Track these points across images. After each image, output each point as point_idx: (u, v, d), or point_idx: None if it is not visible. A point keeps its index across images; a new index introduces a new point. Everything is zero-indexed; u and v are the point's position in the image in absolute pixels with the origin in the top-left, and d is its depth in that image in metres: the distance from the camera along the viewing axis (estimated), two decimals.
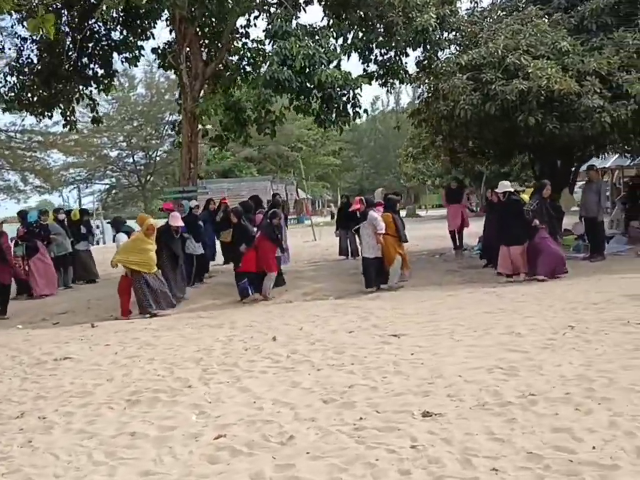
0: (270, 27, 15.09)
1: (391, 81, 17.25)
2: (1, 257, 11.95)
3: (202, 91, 16.85)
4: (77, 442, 4.72)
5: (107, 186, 56.39)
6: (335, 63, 15.74)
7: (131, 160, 54.35)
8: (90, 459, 4.38)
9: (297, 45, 14.51)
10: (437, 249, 18.22)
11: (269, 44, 15.00)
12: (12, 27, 19.63)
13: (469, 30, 15.78)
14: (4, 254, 12.02)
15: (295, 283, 12.98)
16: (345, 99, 15.40)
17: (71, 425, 5.11)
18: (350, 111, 15.82)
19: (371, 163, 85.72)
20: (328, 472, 3.94)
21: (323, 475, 3.89)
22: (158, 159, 55.15)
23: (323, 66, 14.66)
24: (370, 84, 18.31)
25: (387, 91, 18.26)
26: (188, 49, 16.84)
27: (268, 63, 14.51)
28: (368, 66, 17.38)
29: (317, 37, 15.27)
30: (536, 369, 5.88)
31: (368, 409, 5.07)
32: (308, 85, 14.74)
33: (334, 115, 15.76)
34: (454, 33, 16.20)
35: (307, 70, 14.53)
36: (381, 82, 17.83)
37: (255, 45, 17.12)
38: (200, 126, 17.80)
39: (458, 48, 16.35)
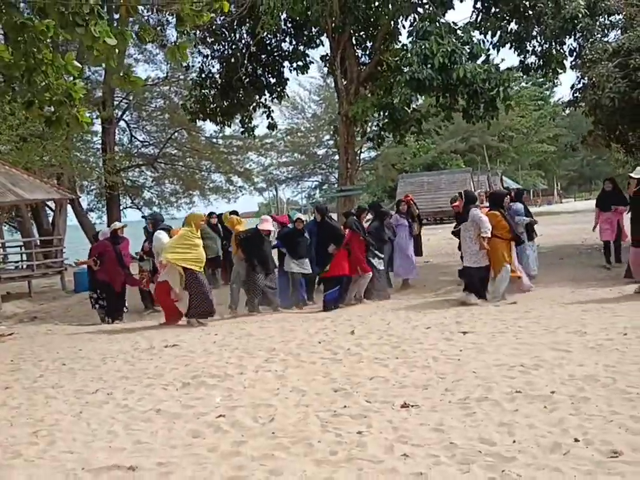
0: (412, 27, 15.50)
1: (550, 71, 16.77)
2: (118, 263, 12.33)
3: (357, 94, 17.57)
4: (114, 415, 5.69)
5: (316, 183, 59.10)
6: (482, 57, 15.75)
7: (337, 157, 56.41)
8: (110, 428, 5.32)
9: (437, 43, 14.76)
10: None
11: (410, 44, 15.31)
12: (195, 45, 21.71)
13: (623, 13, 14.95)
14: (121, 260, 12.38)
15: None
16: (492, 93, 15.30)
17: (123, 402, 6.10)
18: (499, 105, 15.72)
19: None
20: (271, 448, 4.51)
21: (264, 450, 4.47)
22: (362, 155, 56.72)
23: (464, 62, 14.76)
24: (528, 75, 17.99)
25: (549, 80, 17.68)
26: (342, 54, 17.68)
27: (408, 63, 14.87)
28: (525, 57, 17.12)
29: (459, 33, 15.38)
30: (555, 368, 5.92)
31: (361, 398, 5.52)
32: (449, 82, 14.91)
33: (481, 110, 15.78)
34: (608, 16, 15.42)
35: (447, 67, 14.73)
36: (541, 73, 17.43)
37: (400, 46, 17.45)
38: (360, 127, 18.65)
39: (615, 32, 15.58)
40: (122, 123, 33.02)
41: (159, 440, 4.90)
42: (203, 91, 20.14)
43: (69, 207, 28.55)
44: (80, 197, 28.24)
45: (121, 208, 34.00)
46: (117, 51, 11.93)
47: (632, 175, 10.54)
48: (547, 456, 3.98)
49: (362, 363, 6.79)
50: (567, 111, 23.47)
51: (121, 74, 12.89)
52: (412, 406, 5.17)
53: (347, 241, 11.03)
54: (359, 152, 53.18)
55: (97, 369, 7.58)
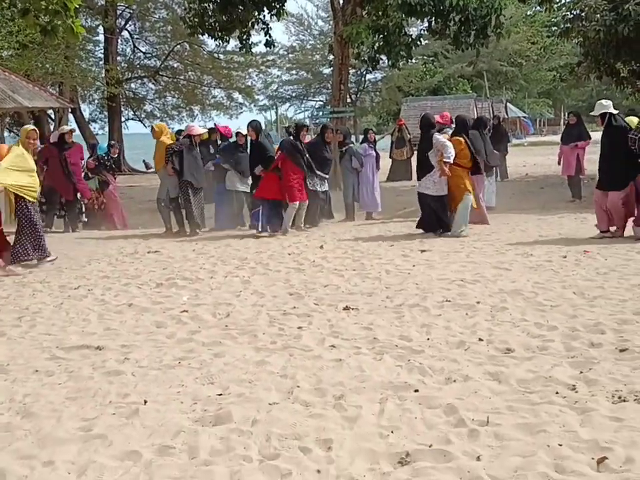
0: None
1: None
2: (64, 170, 11.85)
3: (353, 15, 17.70)
4: (90, 307, 6.37)
5: (321, 102, 58.78)
6: None
7: None
8: (85, 317, 6.01)
9: None
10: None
11: None
12: None
13: None
14: (67, 167, 11.84)
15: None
16: (483, 21, 15.51)
17: (100, 297, 6.78)
18: (489, 32, 15.94)
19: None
20: (221, 337, 5.18)
21: (214, 339, 5.14)
22: (368, 76, 56.18)
23: None
24: (524, 2, 18.02)
25: (545, 10, 17.76)
26: None
27: None
28: None
29: None
30: (490, 283, 6.56)
31: (311, 301, 6.18)
32: (441, 8, 15.10)
33: (472, 38, 16.01)
34: None
35: None
36: (536, 0, 17.51)
37: None
38: (355, 49, 18.85)
39: None
40: (125, 33, 32.97)
41: (126, 328, 5.58)
42: (203, 4, 20.19)
43: (71, 117, 28.91)
44: (76, 107, 28.45)
45: (123, 119, 34.31)
46: None
47: (593, 113, 9.50)
48: (451, 350, 4.64)
49: (321, 273, 7.45)
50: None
51: None
52: (352, 309, 5.83)
53: (277, 163, 10.34)
54: (364, 73, 52.97)
55: (82, 269, 8.25)
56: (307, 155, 10.61)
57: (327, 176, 11.30)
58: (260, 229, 10.37)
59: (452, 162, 9.41)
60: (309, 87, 56.71)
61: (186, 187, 10.77)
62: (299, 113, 60.35)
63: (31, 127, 8.77)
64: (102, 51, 31.10)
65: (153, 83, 33.84)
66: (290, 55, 51.21)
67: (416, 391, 3.96)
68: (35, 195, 8.33)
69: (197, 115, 35.55)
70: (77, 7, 11.29)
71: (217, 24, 20.56)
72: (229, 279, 7.37)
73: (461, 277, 6.90)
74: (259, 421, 3.63)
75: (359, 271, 7.49)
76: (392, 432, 3.45)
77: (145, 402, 3.94)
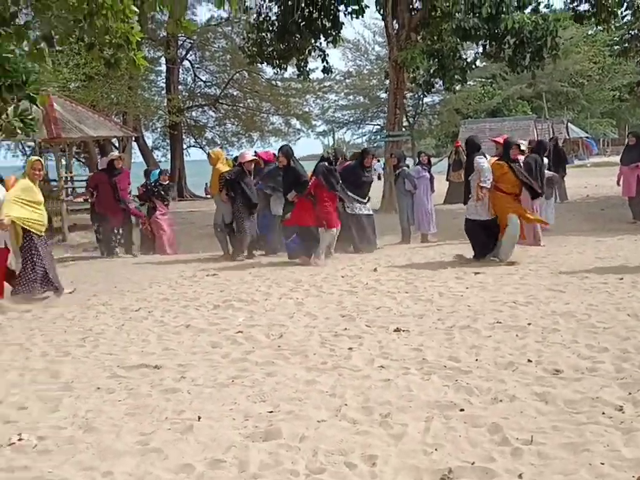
0: None
1: (601, 19, 16.72)
2: (114, 196, 11.99)
3: (408, 40, 17.87)
4: (150, 328, 6.62)
5: (378, 126, 59.04)
6: (532, 6, 15.87)
7: None
8: (145, 337, 6.25)
9: None
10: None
11: None
12: None
13: None
14: (117, 192, 11.99)
15: None
16: (538, 43, 15.47)
17: (160, 318, 7.03)
18: (545, 54, 15.89)
19: None
20: (274, 357, 5.34)
21: (267, 358, 5.30)
22: (426, 99, 56.16)
23: (512, 12, 14.95)
24: (581, 23, 17.91)
25: (604, 30, 17.61)
26: None
27: (456, 11, 15.14)
28: (578, 5, 17.08)
29: None
30: (542, 305, 6.56)
31: (363, 323, 6.29)
32: (496, 31, 15.14)
33: (527, 60, 15.98)
34: None
35: (495, 17, 14.95)
36: (594, 21, 17.36)
37: None
38: (410, 73, 19.00)
39: None
40: (186, 63, 33.90)
41: (183, 348, 5.79)
42: (261, 33, 20.71)
43: (134, 145, 29.82)
44: (141, 135, 29.34)
45: (185, 147, 35.21)
46: None
47: None
48: (499, 371, 4.69)
49: (374, 295, 7.55)
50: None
51: (178, 19, 13.66)
52: (403, 331, 5.91)
53: (311, 189, 10.09)
54: (421, 96, 53.00)
55: (143, 292, 8.55)
56: (340, 181, 10.45)
57: (365, 200, 11.28)
58: (292, 256, 10.28)
59: (488, 186, 9.08)
60: (366, 111, 57.02)
61: (239, 213, 10.94)
62: (357, 137, 60.69)
63: (35, 157, 8.62)
64: (164, 81, 32.02)
65: (213, 111, 34.66)
66: (347, 80, 51.70)
67: (462, 410, 4.02)
68: (41, 228, 8.19)
69: (256, 141, 36.18)
70: (139, 40, 11.78)
71: (274, 52, 21.05)
72: (283, 300, 7.53)
73: (513, 299, 6.91)
74: (307, 437, 3.75)
75: (411, 293, 7.56)
76: (436, 449, 3.52)
77: (199, 418, 4.10)
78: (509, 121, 46.68)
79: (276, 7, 20.98)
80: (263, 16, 20.79)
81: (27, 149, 26.03)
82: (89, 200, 12.54)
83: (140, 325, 6.75)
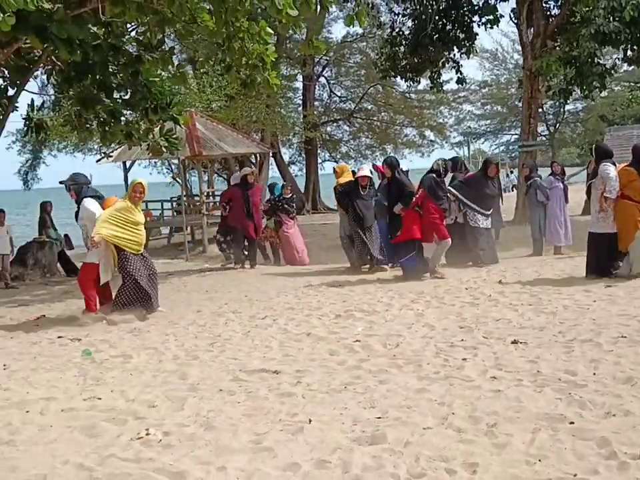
0: None
1: None
2: (246, 210, 12.46)
3: (543, 48, 17.44)
4: (274, 335, 6.90)
5: (516, 136, 57.57)
6: None
7: (540, 109, 54.36)
8: (268, 344, 6.54)
9: None
10: None
11: None
12: (386, 4, 22.45)
13: None
14: (249, 206, 12.47)
15: None
16: None
17: (283, 326, 7.29)
18: None
19: None
20: (388, 366, 5.45)
21: (381, 367, 5.42)
22: (568, 106, 54.16)
23: None
24: None
25: None
26: (529, 7, 17.60)
27: (595, 16, 14.63)
28: None
29: None
30: None
31: (480, 334, 6.27)
32: (638, 35, 14.51)
33: None
34: None
35: (638, 20, 14.32)
36: None
37: None
38: (546, 82, 18.52)
39: None
40: (322, 79, 34.67)
41: (303, 355, 6.02)
42: (394, 48, 20.90)
43: (272, 160, 30.83)
44: (276, 151, 30.27)
45: (320, 161, 35.97)
46: (302, 18, 13.11)
47: None
48: (616, 385, 4.55)
49: (495, 307, 7.49)
50: None
51: (310, 39, 14.12)
52: (521, 343, 5.84)
53: (418, 201, 9.83)
54: (562, 104, 51.25)
55: (270, 301, 8.91)
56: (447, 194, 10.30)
57: (488, 212, 10.96)
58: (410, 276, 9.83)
59: (613, 197, 8.44)
60: (503, 120, 55.81)
61: (355, 225, 11.02)
62: (494, 148, 59.50)
63: (138, 180, 8.49)
64: (301, 98, 32.90)
65: (348, 125, 35.18)
66: (483, 90, 50.88)
67: (571, 423, 3.96)
68: (136, 247, 8.27)
69: (390, 153, 36.33)
70: (274, 60, 12.31)
71: (408, 66, 21.17)
72: (403, 311, 7.62)
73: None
74: (411, 443, 3.84)
75: (535, 305, 7.42)
76: (539, 460, 3.51)
77: (310, 421, 4.29)
78: None
79: (410, 21, 21.14)
80: (397, 30, 20.99)
81: (172, 166, 27.55)
82: (223, 213, 13.01)
83: (264, 332, 7.07)
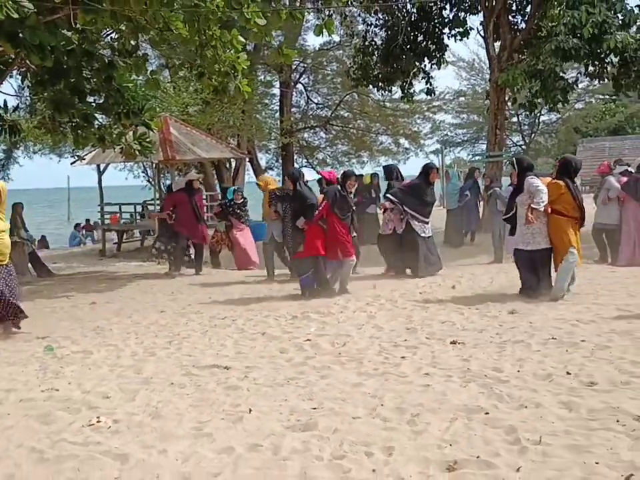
0: None
1: None
2: (195, 215, 12.73)
3: (509, 61, 17.90)
4: (230, 334, 7.23)
5: None
6: (638, 24, 15.61)
7: (515, 119, 55.22)
8: (223, 342, 6.86)
9: (587, 13, 14.86)
10: None
11: (560, 12, 15.44)
12: (359, 15, 22.89)
13: None
14: (198, 212, 12.77)
15: None
16: None
17: (241, 326, 7.64)
18: None
19: None
20: (332, 363, 5.80)
21: (325, 364, 5.77)
22: (542, 117, 55.01)
23: (615, 32, 14.77)
24: None
25: None
26: (496, 21, 18.08)
27: (555, 33, 15.11)
28: None
29: (612, 0, 15.29)
30: (605, 323, 6.68)
31: (423, 335, 6.65)
32: (599, 51, 15.00)
33: (632, 79, 15.69)
34: None
35: (597, 37, 14.81)
36: None
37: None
38: (512, 94, 18.98)
39: None
40: (299, 86, 35.03)
41: (254, 352, 6.37)
42: (366, 57, 21.30)
43: (248, 165, 31.13)
44: (255, 156, 30.57)
45: (297, 167, 36.31)
46: (272, 27, 13.43)
47: None
48: (535, 382, 4.94)
49: (443, 311, 7.86)
50: None
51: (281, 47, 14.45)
52: (459, 343, 6.22)
53: (321, 214, 9.32)
54: (538, 115, 51.98)
55: (231, 303, 9.21)
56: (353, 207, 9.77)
57: (427, 220, 10.81)
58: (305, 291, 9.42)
59: (541, 209, 8.09)
60: (480, 130, 56.49)
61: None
62: (470, 156, 60.22)
63: None
64: (277, 104, 33.23)
65: (324, 132, 35.56)
66: (461, 99, 51.59)
67: (487, 413, 4.34)
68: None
69: (366, 161, 36.79)
70: (245, 68, 12.64)
71: (379, 75, 21.56)
72: (357, 313, 7.99)
73: (578, 317, 7.04)
74: (339, 430, 4.20)
75: (481, 309, 7.81)
76: (450, 445, 3.88)
77: (250, 411, 4.63)
78: (631, 139, 44.97)
79: (382, 31, 21.57)
80: (369, 40, 21.38)
81: (148, 170, 27.74)
82: (169, 221, 12.81)
83: (222, 331, 7.41)
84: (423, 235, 10.69)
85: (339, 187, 9.51)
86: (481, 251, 14.39)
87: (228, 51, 11.81)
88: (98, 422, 4.60)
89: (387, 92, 22.49)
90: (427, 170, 10.98)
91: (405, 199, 10.70)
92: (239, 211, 13.70)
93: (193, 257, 13.25)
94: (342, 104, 34.13)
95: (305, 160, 36.81)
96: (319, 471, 3.64)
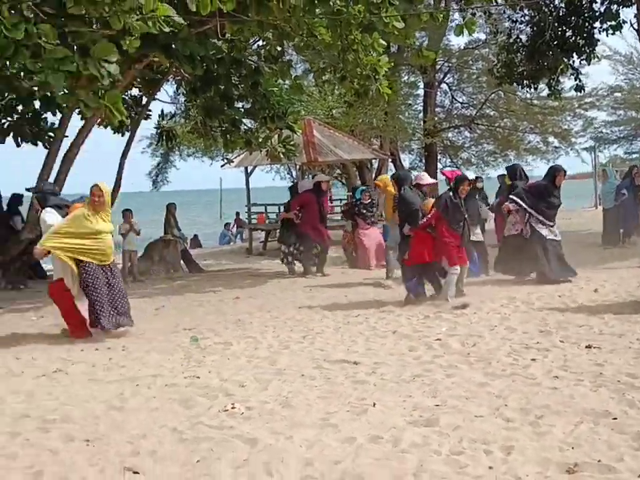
0: None
1: None
2: (320, 217, 12.87)
3: None
4: (362, 331, 7.41)
5: None
6: None
7: None
8: (355, 339, 7.05)
9: None
10: None
11: None
12: (503, 12, 22.41)
13: None
14: (323, 213, 12.95)
15: None
16: None
17: (373, 324, 7.80)
18: None
19: None
20: (459, 362, 5.84)
21: (453, 363, 5.82)
22: None
23: None
24: None
25: None
26: None
27: None
28: None
29: None
30: None
31: (557, 338, 6.52)
32: None
33: None
34: None
35: None
36: None
37: None
38: None
39: None
40: (444, 86, 34.74)
41: (384, 350, 6.50)
42: (510, 55, 20.85)
43: (391, 165, 31.30)
44: (397, 157, 30.66)
45: (440, 167, 35.99)
46: (412, 30, 13.54)
47: None
48: None
49: (581, 314, 7.62)
50: None
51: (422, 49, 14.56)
52: (594, 347, 6.06)
53: (430, 222, 8.96)
54: None
55: (365, 302, 9.37)
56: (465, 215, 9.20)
57: (552, 223, 10.21)
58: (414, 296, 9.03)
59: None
60: (639, 127, 53.44)
61: None
62: (628, 154, 57.10)
63: (95, 183, 7.67)
64: (421, 104, 33.14)
65: (469, 131, 35.03)
66: (616, 94, 48.99)
67: (614, 419, 4.23)
68: (98, 257, 7.59)
69: (513, 160, 35.82)
70: (386, 70, 12.84)
71: (524, 73, 21.03)
72: (490, 315, 7.93)
73: None
74: (460, 427, 4.26)
75: (624, 314, 7.50)
76: (572, 447, 3.84)
77: (374, 404, 4.78)
78: None
79: (527, 28, 21.04)
80: (513, 38, 20.92)
81: (293, 171, 28.58)
82: (296, 220, 12.89)
83: (354, 328, 7.60)
84: (550, 237, 10.13)
85: (450, 193, 9.09)
86: (636, 253, 13.70)
87: (369, 54, 12.05)
88: (233, 408, 4.91)
89: (531, 89, 21.84)
90: (554, 172, 10.48)
91: (529, 201, 10.18)
92: (364, 211, 13.59)
93: (318, 257, 13.11)
94: (487, 102, 33.48)
95: (449, 160, 36.45)
96: (435, 465, 3.73)
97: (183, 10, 8.06)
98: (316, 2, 10.74)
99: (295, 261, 13.15)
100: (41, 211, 8.03)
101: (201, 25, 10.86)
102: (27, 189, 10.49)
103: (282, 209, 22.67)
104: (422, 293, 9.08)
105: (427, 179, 11.52)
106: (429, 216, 8.93)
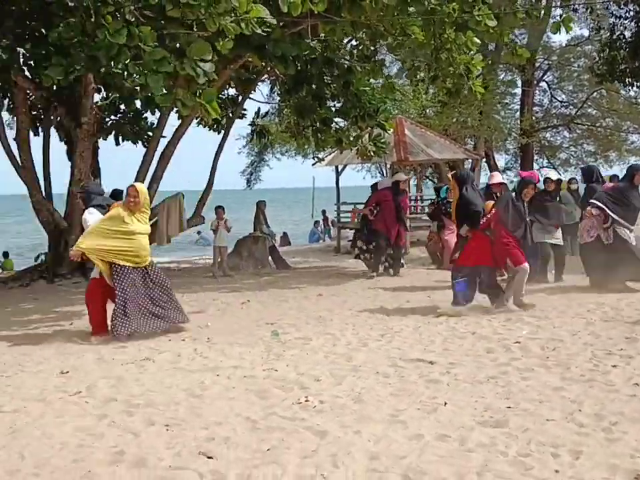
0: None
1: None
2: (396, 215, 12.56)
3: None
4: (440, 332, 7.39)
5: None
6: None
7: None
8: (433, 339, 7.05)
9: None
10: None
11: None
12: (606, 8, 21.64)
13: None
14: (400, 212, 12.53)
15: None
16: None
17: (452, 325, 7.76)
18: None
19: None
20: (536, 365, 5.77)
21: (530, 366, 5.75)
22: None
23: None
24: None
25: None
26: None
27: None
28: None
29: None
30: None
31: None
32: None
33: None
34: None
35: None
36: None
37: None
38: None
39: None
40: (542, 84, 33.88)
41: (461, 350, 6.48)
42: (612, 52, 20.17)
43: (485, 166, 30.80)
44: (492, 157, 30.15)
45: (537, 167, 35.10)
46: (507, 28, 13.36)
47: None
48: None
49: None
50: None
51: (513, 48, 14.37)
52: None
53: (489, 223, 8.43)
54: None
55: (447, 303, 9.27)
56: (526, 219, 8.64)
57: (632, 227, 9.66)
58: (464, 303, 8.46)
59: None
60: None
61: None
62: None
63: (132, 184, 7.69)
64: (518, 103, 32.45)
65: (568, 131, 34.02)
66: None
67: None
68: (133, 259, 7.49)
69: (614, 161, 34.60)
70: (479, 69, 12.73)
71: (627, 70, 20.30)
72: (575, 319, 7.74)
73: None
74: (529, 430, 4.23)
75: None
76: None
77: (445, 404, 4.80)
78: None
79: (632, 23, 20.29)
80: (617, 34, 20.22)
81: (384, 170, 28.58)
82: (370, 217, 12.73)
83: (434, 328, 7.59)
84: (634, 242, 9.65)
85: (513, 194, 8.67)
86: None
87: (463, 52, 11.98)
88: (306, 401, 5.04)
89: (634, 87, 21.05)
90: (632, 172, 9.95)
91: (610, 205, 9.67)
92: (450, 211, 13.02)
93: (391, 258, 12.90)
94: (588, 101, 32.45)
95: (546, 160, 35.55)
96: (500, 465, 3.73)
97: (276, 11, 8.27)
98: (409, 1, 10.76)
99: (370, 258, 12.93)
100: (84, 211, 8.01)
101: (295, 26, 11.08)
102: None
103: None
104: (471, 297, 8.50)
105: (495, 178, 11.15)
106: (489, 216, 8.44)
